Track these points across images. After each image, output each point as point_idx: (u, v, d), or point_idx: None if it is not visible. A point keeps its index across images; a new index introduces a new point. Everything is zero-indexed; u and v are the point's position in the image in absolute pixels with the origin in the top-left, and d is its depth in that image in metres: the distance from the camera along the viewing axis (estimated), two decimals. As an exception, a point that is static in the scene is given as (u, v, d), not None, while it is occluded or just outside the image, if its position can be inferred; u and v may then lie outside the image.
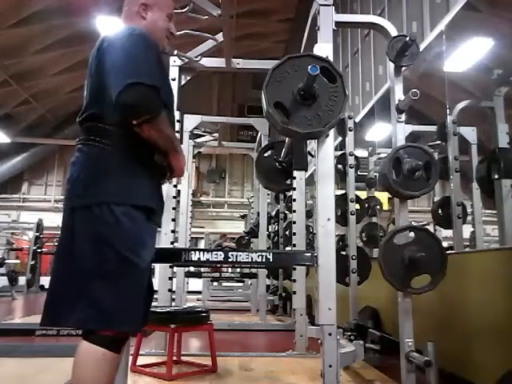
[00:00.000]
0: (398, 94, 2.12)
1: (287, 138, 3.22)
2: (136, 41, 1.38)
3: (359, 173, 3.83)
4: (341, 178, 3.37)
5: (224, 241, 9.43)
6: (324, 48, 1.99)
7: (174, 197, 3.32)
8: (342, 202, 3.26)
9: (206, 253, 1.80)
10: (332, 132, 1.91)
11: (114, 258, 1.30)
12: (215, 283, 9.74)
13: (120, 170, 1.36)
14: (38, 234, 10.11)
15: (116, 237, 1.31)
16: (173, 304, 3.57)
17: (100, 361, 1.26)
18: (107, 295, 1.27)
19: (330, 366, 1.76)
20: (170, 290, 3.24)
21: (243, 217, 10.31)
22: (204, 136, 5.98)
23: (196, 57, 3.46)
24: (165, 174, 1.50)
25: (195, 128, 5.02)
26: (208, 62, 3.59)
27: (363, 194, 4.44)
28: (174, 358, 2.65)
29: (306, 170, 3.38)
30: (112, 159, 1.36)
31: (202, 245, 11.67)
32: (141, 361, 2.66)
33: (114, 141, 1.37)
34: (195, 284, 8.30)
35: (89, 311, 1.26)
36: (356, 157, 3.39)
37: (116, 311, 1.28)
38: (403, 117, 2.11)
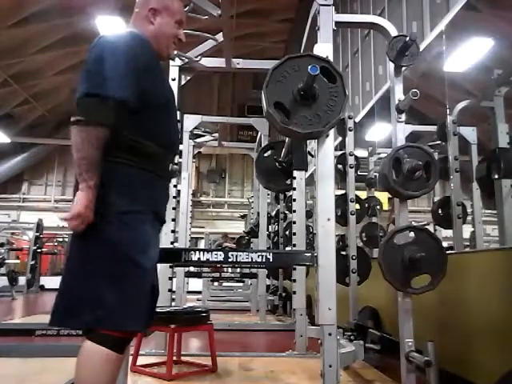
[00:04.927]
0: (398, 94, 2.12)
1: (287, 138, 3.22)
2: (118, 47, 1.36)
3: (359, 173, 3.83)
4: (341, 177, 3.37)
5: (225, 241, 9.41)
6: (324, 48, 1.99)
7: (174, 197, 3.32)
8: (342, 202, 3.26)
9: (205, 253, 1.80)
10: (332, 132, 1.91)
11: (120, 259, 1.30)
12: (215, 283, 9.73)
13: (121, 176, 1.36)
14: (37, 233, 10.12)
15: (123, 238, 1.32)
16: (173, 304, 3.57)
17: (103, 361, 1.26)
18: (113, 295, 1.27)
19: (330, 366, 1.76)
20: (170, 290, 3.24)
21: (243, 217, 10.31)
22: (204, 136, 5.98)
23: (196, 57, 3.46)
24: (170, 174, 1.50)
25: (195, 128, 5.02)
26: (208, 62, 3.59)
27: (363, 194, 4.44)
28: (174, 358, 2.65)
29: (306, 170, 3.38)
30: (111, 166, 1.35)
31: (202, 245, 11.67)
32: (141, 361, 2.66)
33: (110, 147, 1.34)
34: (195, 284, 8.30)
35: (96, 312, 1.26)
36: (356, 157, 3.39)
37: (122, 311, 1.28)
38: (403, 117, 2.11)
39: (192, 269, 6.02)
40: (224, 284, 10.13)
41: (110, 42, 1.38)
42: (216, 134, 6.10)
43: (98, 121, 1.28)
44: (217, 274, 7.39)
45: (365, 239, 4.32)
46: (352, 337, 2.75)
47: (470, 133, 3.82)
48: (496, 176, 3.16)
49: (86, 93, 1.28)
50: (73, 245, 1.37)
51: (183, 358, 2.83)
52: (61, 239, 12.48)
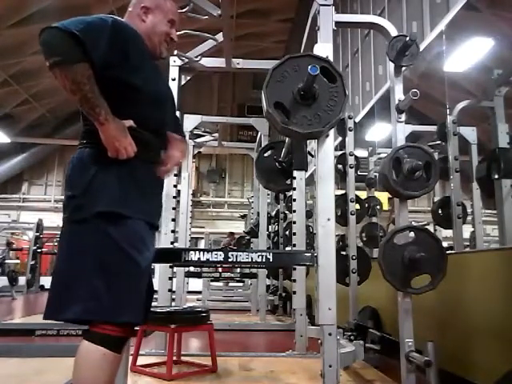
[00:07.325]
0: (398, 94, 2.12)
1: (287, 138, 3.22)
2: (109, 22, 1.39)
3: (359, 173, 3.83)
4: (341, 177, 3.37)
5: (231, 240, 9.32)
6: (324, 48, 1.99)
7: (174, 197, 3.32)
8: (342, 202, 3.26)
9: (205, 253, 1.80)
10: (332, 132, 1.91)
11: (116, 253, 1.30)
12: (218, 283, 9.69)
13: (113, 176, 1.35)
14: (37, 233, 10.12)
15: (120, 233, 1.32)
16: (173, 304, 3.57)
17: (100, 360, 1.26)
18: (106, 287, 1.27)
19: (330, 366, 1.76)
20: (170, 290, 3.24)
21: (243, 217, 10.30)
22: (204, 136, 5.98)
23: (196, 57, 3.46)
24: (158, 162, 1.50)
25: (195, 128, 5.02)
26: (208, 62, 3.59)
27: (363, 194, 4.44)
28: (174, 358, 2.65)
29: (306, 170, 3.38)
30: (102, 166, 1.34)
31: (202, 245, 11.66)
32: (141, 361, 2.66)
33: (100, 144, 1.34)
34: (195, 284, 8.30)
35: (88, 303, 1.26)
36: (356, 157, 3.39)
37: (115, 302, 1.28)
38: (403, 117, 2.11)
39: (192, 269, 6.02)
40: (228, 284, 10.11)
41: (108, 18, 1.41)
42: (216, 134, 6.10)
43: (68, 55, 1.25)
44: (217, 274, 7.39)
45: (365, 239, 4.32)
46: (352, 337, 2.75)
47: (470, 133, 3.83)
48: (496, 176, 3.16)
49: (46, 27, 1.26)
50: (64, 237, 1.36)
51: (183, 358, 2.83)
52: (61, 239, 12.44)
